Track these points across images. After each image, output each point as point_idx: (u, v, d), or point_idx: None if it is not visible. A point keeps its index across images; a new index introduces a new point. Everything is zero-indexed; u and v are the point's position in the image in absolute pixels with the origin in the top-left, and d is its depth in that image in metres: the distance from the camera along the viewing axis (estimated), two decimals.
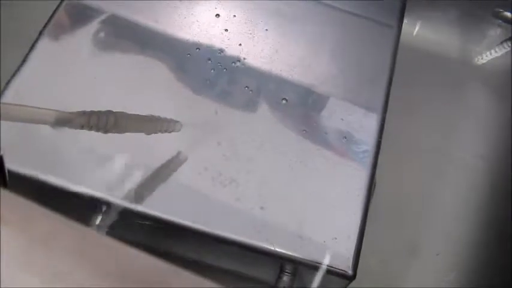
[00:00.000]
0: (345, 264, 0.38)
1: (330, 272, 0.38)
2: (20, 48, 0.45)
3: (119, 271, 0.18)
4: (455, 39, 0.68)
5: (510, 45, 0.66)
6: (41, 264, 0.18)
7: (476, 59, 0.68)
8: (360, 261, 0.39)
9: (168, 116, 0.43)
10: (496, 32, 0.67)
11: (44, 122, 0.37)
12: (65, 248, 0.18)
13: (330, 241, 0.39)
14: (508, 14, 0.65)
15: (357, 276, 0.39)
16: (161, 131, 0.42)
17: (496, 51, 0.67)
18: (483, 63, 0.67)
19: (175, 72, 0.45)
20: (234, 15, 0.49)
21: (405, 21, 0.51)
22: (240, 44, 0.47)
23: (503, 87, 0.65)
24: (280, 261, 0.40)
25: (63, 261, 0.18)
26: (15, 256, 0.18)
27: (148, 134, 0.42)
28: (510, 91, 0.64)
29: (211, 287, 0.19)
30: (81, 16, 0.47)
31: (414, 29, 0.68)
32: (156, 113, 0.43)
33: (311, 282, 0.40)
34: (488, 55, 0.67)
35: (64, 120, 0.37)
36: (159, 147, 0.42)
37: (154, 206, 0.40)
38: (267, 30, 0.48)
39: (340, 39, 0.49)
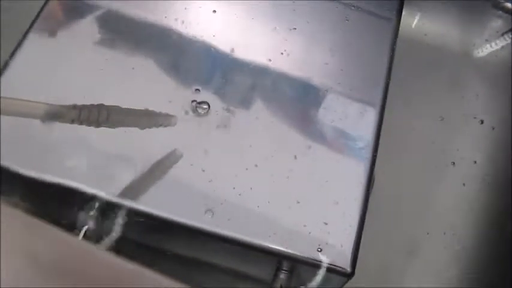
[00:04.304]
0: (343, 262, 0.38)
1: (328, 269, 0.38)
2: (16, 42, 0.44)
3: (55, 260, 0.17)
4: (455, 31, 0.67)
5: (511, 37, 0.65)
6: None
7: (476, 51, 0.67)
8: (359, 259, 0.38)
9: (163, 111, 0.42)
10: (496, 23, 0.66)
11: (34, 116, 0.36)
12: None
13: (327, 238, 0.38)
14: (509, 5, 0.64)
15: (356, 275, 0.38)
16: (156, 126, 0.42)
17: (496, 44, 0.66)
18: (483, 56, 0.67)
19: (170, 67, 0.44)
20: (231, 10, 0.48)
21: (404, 13, 0.50)
22: (236, 39, 0.46)
23: (503, 79, 0.65)
24: (277, 259, 0.39)
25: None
26: None
27: (143, 129, 0.41)
28: (511, 84, 0.63)
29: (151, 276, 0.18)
30: (70, 9, 0.46)
31: (413, 21, 0.67)
32: (151, 107, 0.42)
33: (309, 280, 0.40)
34: (488, 47, 0.66)
35: (54, 114, 0.36)
36: (154, 141, 0.41)
37: (148, 203, 0.39)
38: (263, 24, 0.47)
39: (337, 32, 0.48)
